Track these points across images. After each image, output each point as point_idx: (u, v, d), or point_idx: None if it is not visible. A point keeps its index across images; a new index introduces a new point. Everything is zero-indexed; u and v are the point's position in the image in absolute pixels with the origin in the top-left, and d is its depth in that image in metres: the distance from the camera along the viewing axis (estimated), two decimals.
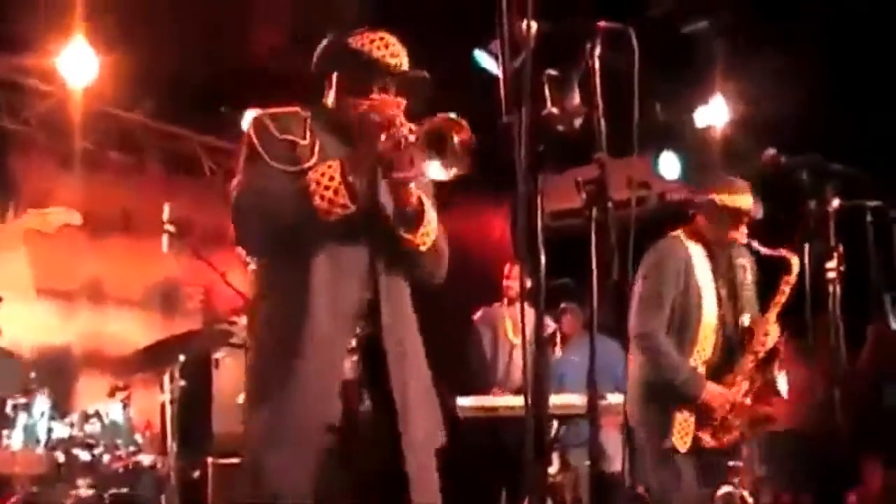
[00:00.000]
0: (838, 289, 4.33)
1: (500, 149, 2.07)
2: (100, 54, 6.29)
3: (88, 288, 7.45)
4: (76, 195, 6.41)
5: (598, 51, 2.48)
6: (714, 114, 7.47)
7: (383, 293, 2.76)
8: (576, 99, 2.49)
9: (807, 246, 4.43)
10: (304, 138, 2.75)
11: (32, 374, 5.60)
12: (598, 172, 2.46)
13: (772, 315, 4.42)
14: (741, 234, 4.41)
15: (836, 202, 4.37)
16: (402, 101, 2.65)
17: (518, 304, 6.09)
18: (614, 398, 5.26)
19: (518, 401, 5.02)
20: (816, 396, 5.05)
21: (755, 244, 4.44)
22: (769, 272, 4.53)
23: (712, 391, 4.26)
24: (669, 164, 7.84)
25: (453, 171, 2.50)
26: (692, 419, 4.25)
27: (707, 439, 4.26)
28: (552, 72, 2.46)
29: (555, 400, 5.03)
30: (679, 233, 4.50)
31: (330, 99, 2.87)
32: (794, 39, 6.38)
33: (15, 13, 5.89)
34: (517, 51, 2.22)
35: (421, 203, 2.74)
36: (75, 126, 6.99)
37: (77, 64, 6.35)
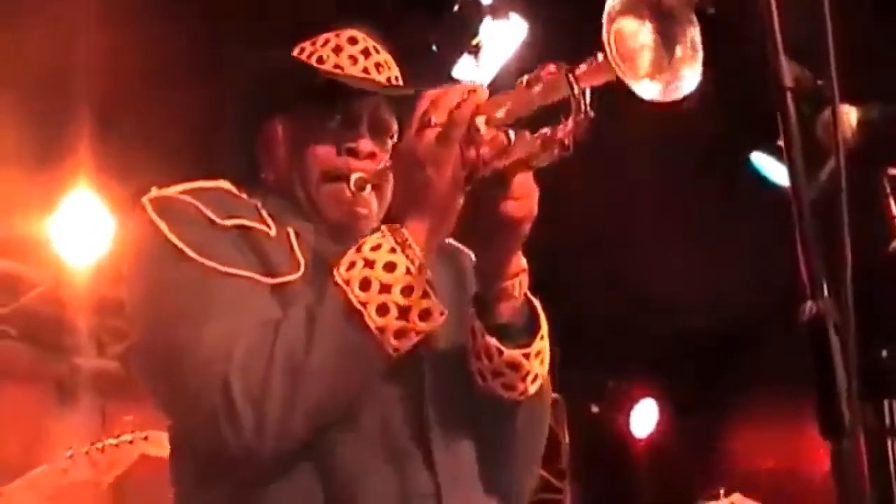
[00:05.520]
0: None
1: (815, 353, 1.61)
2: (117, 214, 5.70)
3: None
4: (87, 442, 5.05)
5: None
6: None
7: None
8: None
9: None
10: (268, 226, 2.20)
11: None
12: None
13: None
14: None
15: None
16: (474, 86, 2.07)
17: None
18: None
19: None
20: None
21: None
22: None
23: None
24: None
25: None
26: None
27: None
28: None
29: None
30: None
31: (274, 172, 2.36)
32: None
33: None
34: (823, 157, 1.90)
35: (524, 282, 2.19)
36: (79, 333, 6.29)
37: (78, 228, 5.88)
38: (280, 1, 4.76)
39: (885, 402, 1.91)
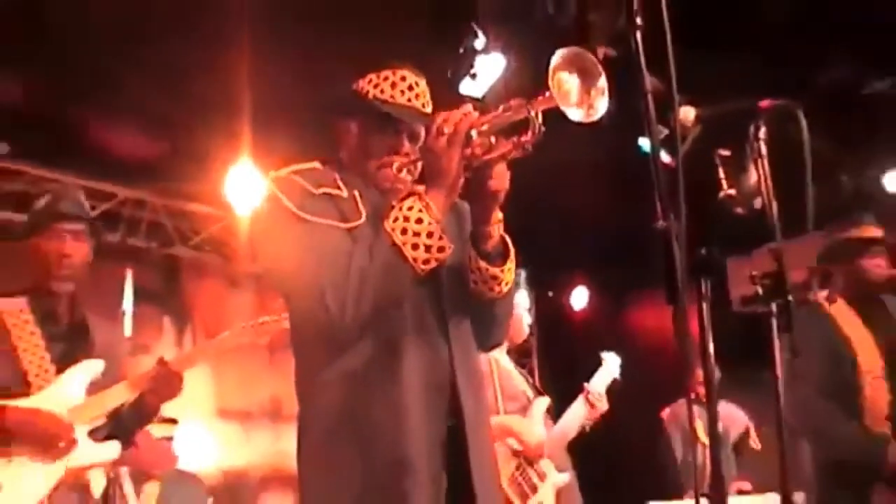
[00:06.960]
0: None
1: (664, 255, 1.83)
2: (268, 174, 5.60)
3: (268, 407, 7.21)
4: (250, 317, 5.99)
5: (763, 132, 2.25)
6: None
7: (461, 369, 2.28)
8: (752, 178, 2.28)
9: None
10: (341, 190, 2.31)
11: (210, 500, 5.50)
12: (773, 263, 2.20)
13: None
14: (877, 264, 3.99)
15: None
16: (469, 109, 2.14)
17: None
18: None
19: None
20: None
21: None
22: None
23: None
24: None
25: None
26: None
27: None
28: (724, 152, 2.28)
29: None
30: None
31: (347, 153, 2.43)
32: None
33: (180, 139, 5.85)
34: (682, 138, 1.99)
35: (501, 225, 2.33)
36: (245, 248, 6.86)
37: (243, 186, 6.18)
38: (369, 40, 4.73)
39: (702, 281, 2.05)
